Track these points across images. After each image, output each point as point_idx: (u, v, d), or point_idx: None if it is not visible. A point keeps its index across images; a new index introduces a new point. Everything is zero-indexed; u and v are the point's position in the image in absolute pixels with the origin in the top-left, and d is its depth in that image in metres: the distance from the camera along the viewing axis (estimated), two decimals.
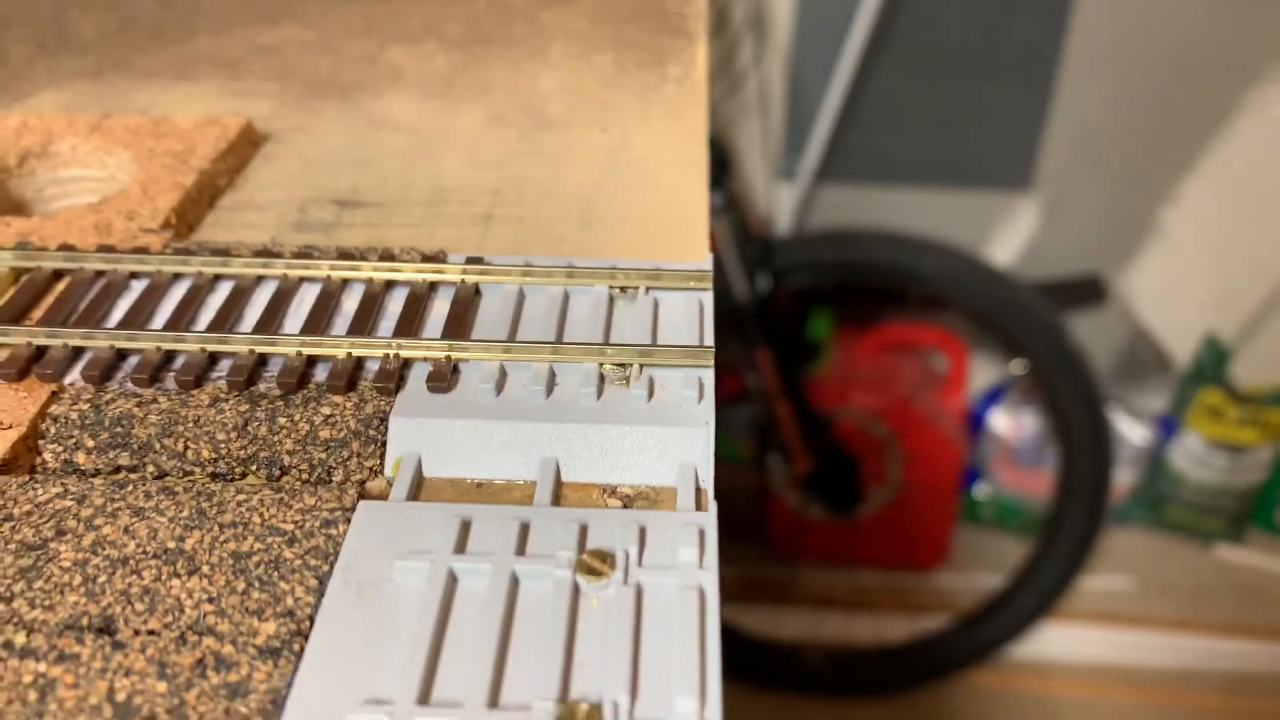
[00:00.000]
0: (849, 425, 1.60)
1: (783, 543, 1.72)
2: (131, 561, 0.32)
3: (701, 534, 0.33)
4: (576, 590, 0.31)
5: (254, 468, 0.37)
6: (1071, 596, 1.71)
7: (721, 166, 1.33)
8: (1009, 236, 1.77)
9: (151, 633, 0.31)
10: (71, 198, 0.52)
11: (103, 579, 0.32)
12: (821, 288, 1.57)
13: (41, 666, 0.30)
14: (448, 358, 0.39)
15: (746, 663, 1.60)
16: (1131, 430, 1.79)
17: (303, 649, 0.30)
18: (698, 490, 0.36)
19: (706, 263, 0.43)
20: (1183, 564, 1.78)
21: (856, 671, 1.61)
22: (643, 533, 0.33)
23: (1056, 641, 1.69)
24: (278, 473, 0.36)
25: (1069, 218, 1.75)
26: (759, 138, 1.62)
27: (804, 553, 1.73)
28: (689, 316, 0.41)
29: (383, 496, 0.35)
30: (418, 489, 0.36)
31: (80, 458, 0.37)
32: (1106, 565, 1.76)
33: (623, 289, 0.42)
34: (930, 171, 1.72)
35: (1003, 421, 1.82)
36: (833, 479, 1.64)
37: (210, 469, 0.37)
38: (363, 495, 0.35)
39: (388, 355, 0.39)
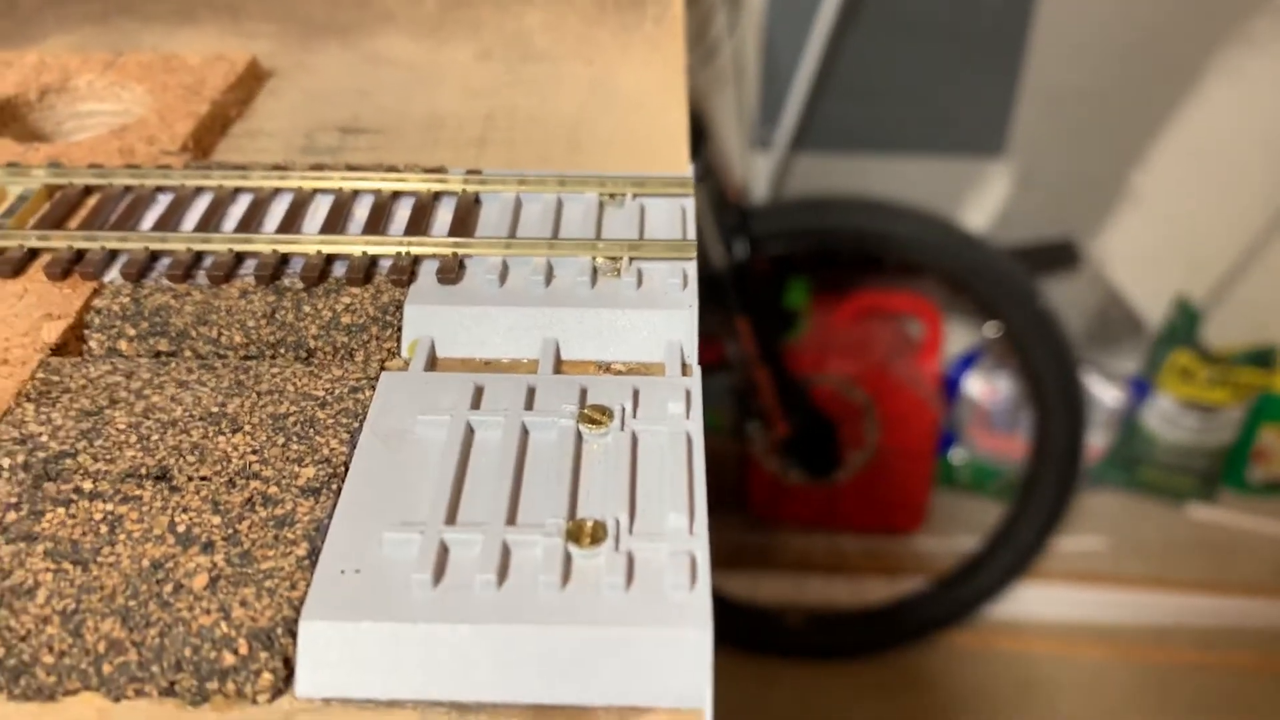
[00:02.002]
0: (826, 391, 1.65)
1: (763, 508, 1.77)
2: (180, 423, 0.37)
3: (688, 392, 0.38)
4: (579, 438, 0.37)
5: (282, 351, 0.41)
6: (1047, 557, 1.75)
7: (698, 135, 1.37)
8: (982, 202, 1.82)
9: (204, 479, 0.35)
10: (89, 130, 0.57)
11: (155, 437, 0.37)
12: (798, 255, 1.62)
13: (109, 506, 0.34)
14: (454, 254, 0.44)
15: (727, 626, 1.64)
16: (1104, 392, 1.84)
17: (340, 488, 0.35)
18: (683, 364, 0.41)
19: (688, 172, 0.48)
20: (1155, 523, 1.83)
21: (836, 633, 1.65)
22: (636, 393, 0.38)
23: (1032, 601, 1.73)
24: (304, 354, 0.41)
25: (1041, 183, 1.80)
26: (734, 107, 1.66)
27: (784, 518, 1.78)
28: (672, 219, 0.46)
29: (399, 371, 0.40)
30: (432, 366, 0.41)
31: (123, 345, 0.42)
32: (1081, 526, 1.81)
33: (611, 195, 0.47)
34: (904, 139, 1.76)
35: (977, 386, 1.87)
36: (811, 444, 1.68)
37: (242, 353, 0.42)
38: (384, 370, 0.40)
39: (400, 253, 0.44)
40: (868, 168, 1.76)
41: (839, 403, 1.70)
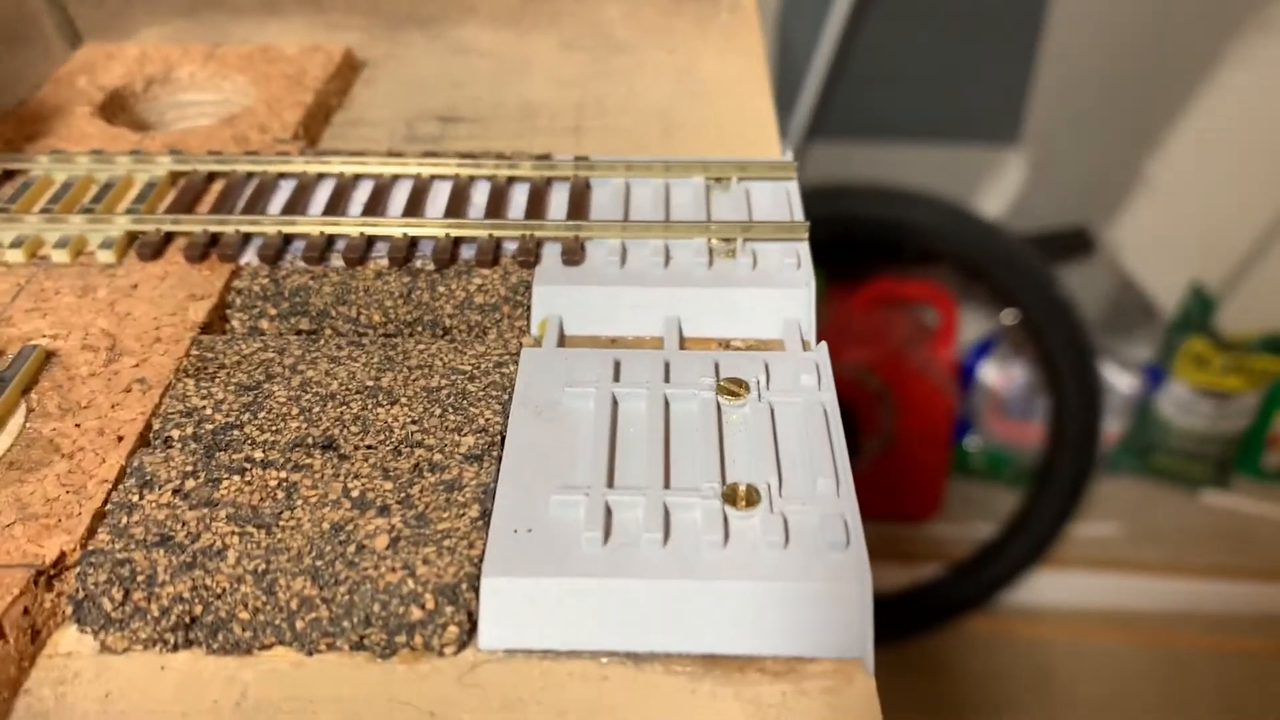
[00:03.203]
0: (843, 378, 1.67)
1: None
2: (338, 396, 0.40)
3: (817, 366, 0.41)
4: (719, 409, 0.39)
5: (419, 329, 0.44)
6: (1062, 543, 1.77)
7: None
8: (997, 190, 1.84)
9: (369, 447, 0.38)
10: (190, 120, 0.59)
11: (317, 409, 0.39)
12: (813, 243, 1.64)
13: (283, 474, 0.37)
14: (575, 237, 0.46)
15: None
16: (1119, 379, 1.87)
17: (500, 455, 0.38)
18: (803, 341, 0.44)
19: (788, 156, 0.51)
20: (1170, 510, 1.85)
21: None
22: (767, 366, 0.41)
23: (1048, 587, 1.75)
24: (440, 333, 0.44)
25: (1056, 170, 1.82)
26: None
27: None
28: (778, 201, 0.49)
29: (534, 347, 0.43)
30: (561, 342, 0.44)
31: (264, 324, 0.44)
32: (1096, 512, 1.83)
33: (717, 179, 0.50)
34: (919, 127, 1.78)
35: (992, 374, 1.89)
36: None
37: (381, 331, 0.44)
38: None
39: (525, 235, 0.46)
40: (882, 155, 1.78)
41: (855, 390, 1.73)
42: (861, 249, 1.69)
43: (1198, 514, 1.85)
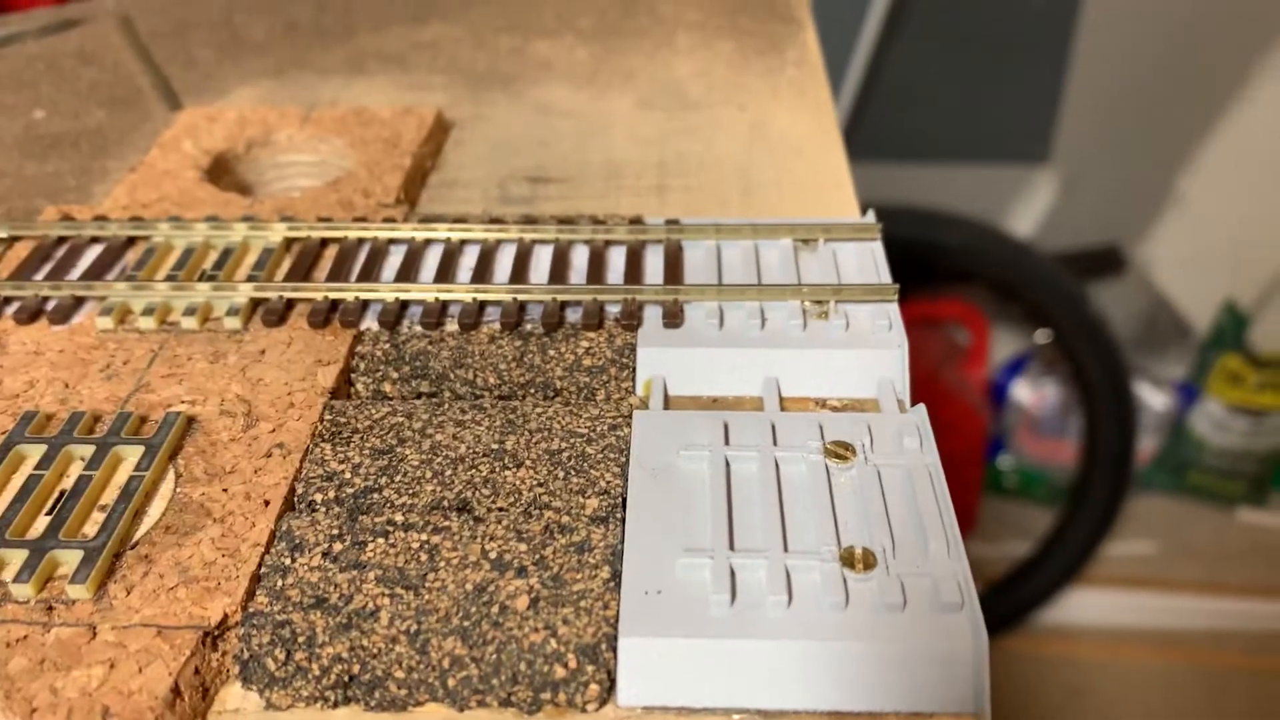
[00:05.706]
0: None
1: None
2: (467, 459, 0.42)
3: (918, 428, 0.43)
4: (827, 471, 0.42)
5: (531, 391, 0.47)
6: (1097, 562, 1.78)
7: None
8: (1028, 209, 1.86)
9: (501, 509, 0.41)
10: (289, 181, 0.62)
11: (449, 472, 0.42)
12: None
13: (424, 536, 0.40)
14: (675, 300, 0.49)
15: None
16: (1153, 397, 1.88)
17: (623, 517, 0.40)
18: (897, 401, 0.46)
19: (870, 218, 0.53)
20: (1205, 528, 1.86)
21: None
22: (869, 429, 0.43)
23: (1083, 606, 1.77)
24: (551, 394, 0.47)
25: (1087, 189, 1.84)
26: None
27: None
28: (864, 262, 0.52)
29: (642, 409, 0.46)
30: (667, 404, 0.46)
31: (387, 387, 0.47)
32: (1130, 531, 1.84)
33: (804, 241, 0.52)
34: (949, 147, 1.80)
35: (1025, 393, 1.91)
36: None
37: (496, 393, 0.47)
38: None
39: (626, 299, 0.49)
40: (914, 176, 1.80)
41: None
42: (893, 270, 1.71)
43: (1233, 532, 1.87)
